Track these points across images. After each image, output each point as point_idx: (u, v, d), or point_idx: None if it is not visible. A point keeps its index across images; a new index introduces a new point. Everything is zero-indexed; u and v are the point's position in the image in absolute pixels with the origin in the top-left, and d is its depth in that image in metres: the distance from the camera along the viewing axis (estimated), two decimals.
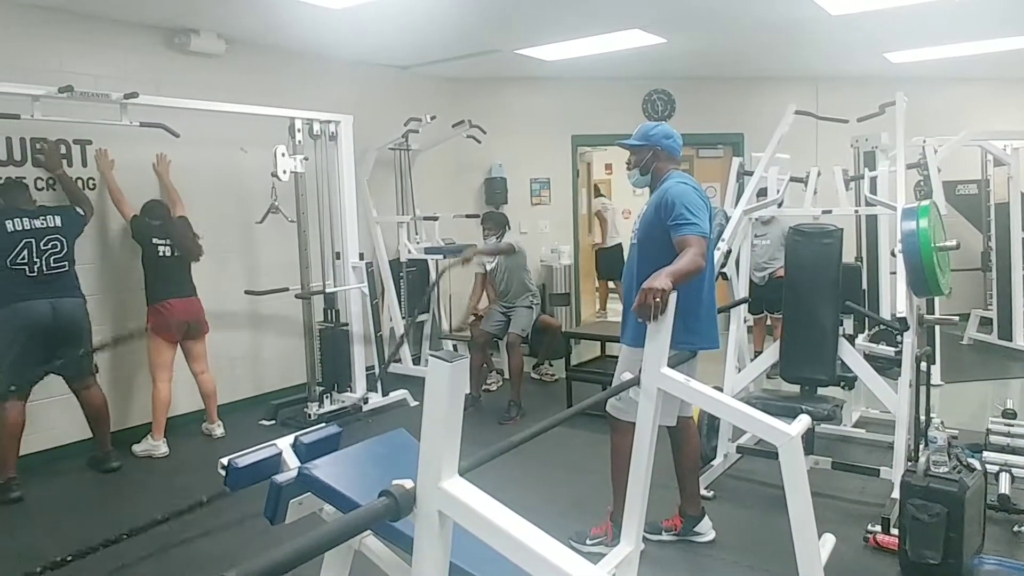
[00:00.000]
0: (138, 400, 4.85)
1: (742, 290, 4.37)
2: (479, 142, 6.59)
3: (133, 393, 4.89)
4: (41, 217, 4.05)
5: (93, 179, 4.67)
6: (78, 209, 4.29)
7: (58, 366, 4.10)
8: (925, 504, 2.82)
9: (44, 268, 4.01)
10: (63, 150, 4.53)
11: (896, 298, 3.46)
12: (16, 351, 3.93)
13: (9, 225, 3.94)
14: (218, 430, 4.93)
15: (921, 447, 3.51)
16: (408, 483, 1.49)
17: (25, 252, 3.95)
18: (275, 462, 2.50)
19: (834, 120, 4.95)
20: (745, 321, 4.56)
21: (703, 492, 3.68)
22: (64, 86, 3.91)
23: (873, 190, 4.80)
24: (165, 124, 4.42)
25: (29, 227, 3.98)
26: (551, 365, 6.29)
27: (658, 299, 2.32)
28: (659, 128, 3.15)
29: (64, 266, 4.11)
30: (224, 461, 2.41)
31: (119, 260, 4.82)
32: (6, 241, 3.92)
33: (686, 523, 3.27)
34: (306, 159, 4.97)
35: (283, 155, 4.73)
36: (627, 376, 2.54)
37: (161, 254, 4.60)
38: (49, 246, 4.04)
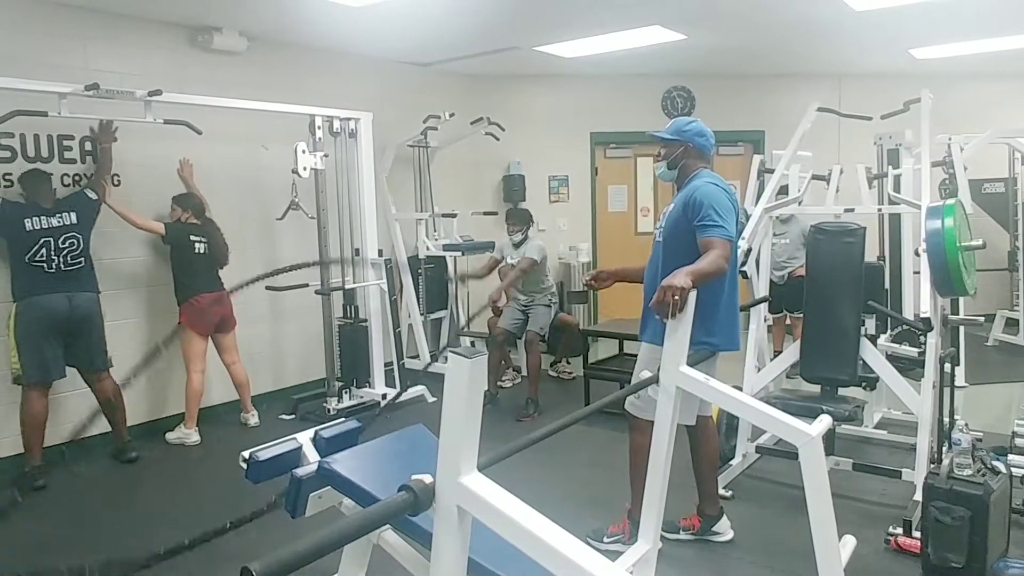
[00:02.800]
0: (174, 390, 4.94)
1: (762, 289, 4.34)
2: (497, 139, 6.60)
3: (170, 383, 4.98)
4: (58, 215, 4.13)
5: (118, 175, 4.70)
6: (88, 193, 4.33)
7: (74, 358, 4.23)
8: (948, 507, 2.78)
9: (62, 265, 4.11)
10: (89, 147, 4.57)
11: (920, 298, 3.41)
12: (36, 342, 4.03)
13: (28, 224, 4.01)
14: (253, 419, 5.05)
15: (944, 449, 3.46)
16: (427, 478, 1.50)
17: (44, 251, 4.04)
18: (295, 456, 2.53)
19: (857, 117, 4.90)
20: (765, 320, 4.52)
21: (721, 491, 3.66)
22: (90, 84, 3.96)
23: (897, 188, 4.74)
24: (188, 121, 4.46)
25: (47, 226, 4.06)
26: (568, 363, 6.28)
27: (676, 297, 2.31)
28: (693, 125, 3.12)
29: (81, 262, 4.20)
30: (246, 454, 2.44)
31: (153, 255, 4.91)
32: (26, 239, 4.01)
33: (704, 522, 3.26)
34: (326, 156, 5.00)
35: (303, 152, 4.76)
36: (646, 374, 2.53)
37: (197, 251, 4.69)
38: (67, 244, 4.12)
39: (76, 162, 4.51)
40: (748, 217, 4.07)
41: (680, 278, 2.36)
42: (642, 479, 2.62)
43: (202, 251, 4.72)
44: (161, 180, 4.85)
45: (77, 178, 4.52)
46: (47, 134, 4.38)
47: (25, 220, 4.02)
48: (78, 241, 4.17)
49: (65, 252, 4.12)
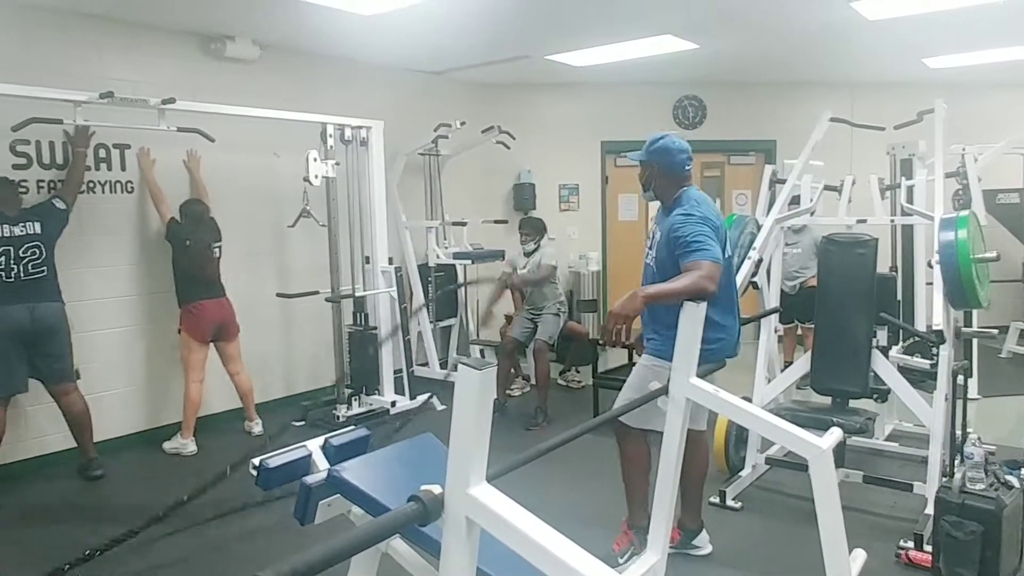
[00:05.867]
0: (173, 398, 4.92)
1: (773, 299, 4.32)
2: (508, 148, 6.61)
3: (169, 391, 4.97)
4: (21, 224, 4.00)
5: (132, 182, 4.76)
6: (56, 203, 4.19)
7: (37, 371, 4.07)
8: (960, 521, 2.76)
9: (22, 274, 3.96)
10: (103, 154, 4.63)
11: (933, 310, 3.40)
12: None
13: None
14: (257, 427, 5.02)
15: (956, 462, 3.44)
16: (436, 489, 1.50)
17: (2, 259, 3.91)
18: (305, 463, 2.53)
19: (870, 127, 4.88)
20: (776, 331, 4.50)
21: (731, 503, 3.65)
22: (105, 92, 3.99)
23: (910, 199, 4.72)
24: (201, 129, 4.50)
25: (8, 234, 3.94)
26: (578, 372, 6.28)
27: (620, 326, 2.26)
28: (659, 143, 2.97)
29: (43, 271, 4.05)
30: (256, 461, 2.45)
31: (159, 262, 4.87)
32: None
33: (684, 536, 3.22)
34: (337, 164, 5.02)
35: (315, 160, 4.77)
36: (655, 385, 2.53)
37: (191, 256, 4.63)
38: (28, 253, 3.99)
39: (90, 168, 4.54)
40: (759, 227, 4.05)
41: (631, 303, 2.30)
42: (640, 488, 2.60)
43: (194, 256, 4.63)
44: (173, 186, 4.87)
45: (91, 185, 4.56)
46: (62, 141, 4.42)
47: None
48: (40, 251, 4.03)
49: (25, 261, 3.97)
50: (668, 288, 2.49)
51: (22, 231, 3.99)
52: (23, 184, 4.28)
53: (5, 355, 3.92)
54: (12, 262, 3.93)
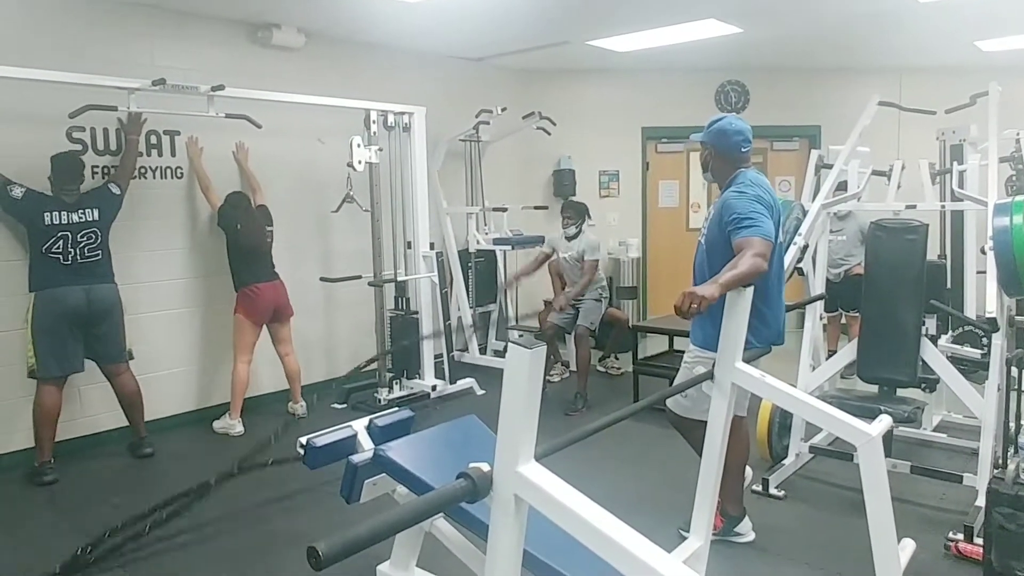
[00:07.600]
0: (221, 379, 5.03)
1: (819, 287, 4.26)
2: (549, 134, 6.60)
3: (217, 372, 5.08)
4: (79, 211, 4.07)
5: (181, 168, 4.86)
6: (112, 187, 4.28)
7: (92, 351, 4.19)
8: (1014, 513, 2.70)
9: (79, 257, 4.06)
10: (154, 140, 4.73)
11: (986, 298, 3.32)
12: (52, 336, 4.00)
13: (47, 217, 3.97)
14: (300, 409, 5.11)
15: (1010, 454, 3.36)
16: (485, 466, 1.52)
17: (60, 243, 4.00)
18: (351, 443, 2.59)
19: (921, 111, 4.77)
20: (821, 319, 4.43)
21: (773, 491, 3.63)
22: (157, 79, 4.08)
23: (961, 184, 4.61)
24: (248, 115, 4.57)
25: (66, 221, 4.02)
26: (617, 358, 6.26)
27: (695, 305, 2.25)
28: (716, 125, 2.98)
29: (98, 255, 4.16)
30: (303, 440, 2.51)
31: (208, 246, 4.99)
32: (43, 232, 3.98)
33: (727, 523, 3.19)
34: (380, 150, 5.06)
35: (359, 146, 4.82)
36: (700, 369, 2.52)
37: (244, 240, 4.73)
38: (85, 238, 4.08)
39: (142, 155, 4.63)
40: (805, 213, 4.00)
41: (709, 289, 2.29)
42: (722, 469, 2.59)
43: (247, 241, 4.72)
44: (221, 172, 4.97)
45: (143, 170, 4.67)
46: (115, 128, 4.52)
47: (44, 214, 3.97)
48: (97, 235, 4.14)
49: (82, 246, 4.07)
50: (734, 275, 2.43)
51: (80, 218, 4.09)
52: None
53: (63, 334, 4.04)
54: (70, 246, 4.04)
